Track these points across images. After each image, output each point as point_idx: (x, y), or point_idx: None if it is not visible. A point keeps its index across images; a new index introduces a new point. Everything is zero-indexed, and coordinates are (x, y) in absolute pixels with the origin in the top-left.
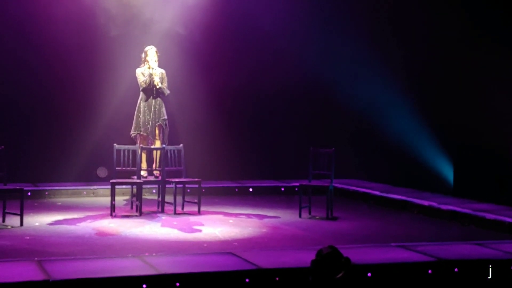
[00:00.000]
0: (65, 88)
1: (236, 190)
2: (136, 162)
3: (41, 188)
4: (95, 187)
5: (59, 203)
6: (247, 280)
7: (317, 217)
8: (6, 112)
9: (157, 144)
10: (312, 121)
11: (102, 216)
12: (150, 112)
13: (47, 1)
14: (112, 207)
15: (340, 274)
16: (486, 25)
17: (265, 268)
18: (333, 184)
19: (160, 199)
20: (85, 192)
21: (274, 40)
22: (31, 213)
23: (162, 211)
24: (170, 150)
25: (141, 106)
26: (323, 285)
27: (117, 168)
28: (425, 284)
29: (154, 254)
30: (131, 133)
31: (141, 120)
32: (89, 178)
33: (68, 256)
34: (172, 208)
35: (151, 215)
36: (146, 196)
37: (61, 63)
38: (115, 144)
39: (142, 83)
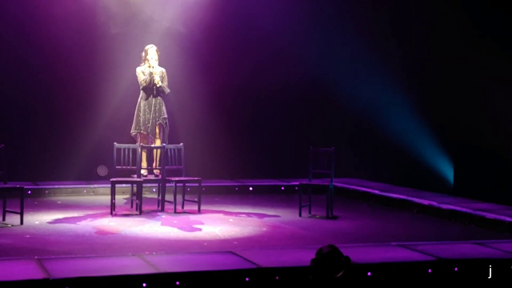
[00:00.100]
0: (65, 87)
1: (236, 189)
2: (136, 161)
3: (41, 186)
4: (95, 185)
5: (59, 202)
6: (247, 279)
7: (317, 216)
8: (6, 111)
9: (157, 142)
10: (312, 121)
11: (102, 215)
12: (151, 111)
13: (47, 0)
14: (112, 206)
15: (340, 273)
16: (486, 25)
17: (265, 267)
18: (333, 183)
19: (160, 197)
20: (85, 191)
21: (274, 40)
22: (31, 211)
23: (162, 210)
24: (170, 149)
25: (142, 105)
26: (323, 284)
27: (117, 167)
28: (425, 284)
29: (154, 253)
30: (131, 131)
31: (141, 119)
32: (89, 176)
33: (68, 255)
34: (172, 207)
35: (151, 213)
36: (146, 194)
37: (61, 62)
38: (115, 143)
39: (142, 82)
